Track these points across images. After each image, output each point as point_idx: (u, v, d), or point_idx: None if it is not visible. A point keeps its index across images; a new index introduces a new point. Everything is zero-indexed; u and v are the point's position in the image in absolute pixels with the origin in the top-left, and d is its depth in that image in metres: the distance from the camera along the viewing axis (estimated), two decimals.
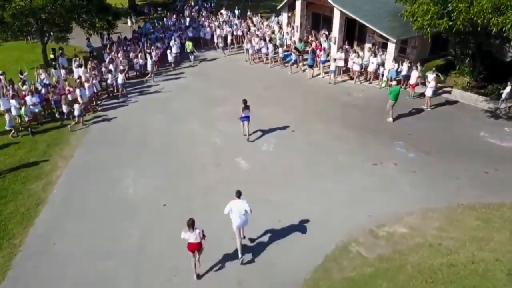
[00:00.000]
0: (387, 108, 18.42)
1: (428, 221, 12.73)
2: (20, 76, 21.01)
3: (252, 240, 12.08)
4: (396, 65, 20.97)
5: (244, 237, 11.93)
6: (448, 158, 15.90)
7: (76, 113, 18.58)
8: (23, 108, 18.24)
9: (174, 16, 32.82)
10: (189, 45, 26.10)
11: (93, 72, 21.26)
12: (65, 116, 19.59)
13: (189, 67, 26.12)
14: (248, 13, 32.63)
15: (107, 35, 27.13)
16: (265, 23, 29.73)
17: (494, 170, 15.18)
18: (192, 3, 37.81)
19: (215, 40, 28.02)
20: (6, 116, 17.86)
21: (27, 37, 27.13)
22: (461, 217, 12.96)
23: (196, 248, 10.44)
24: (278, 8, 28.13)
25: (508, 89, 18.52)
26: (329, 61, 23.14)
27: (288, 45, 25.61)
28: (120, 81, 21.57)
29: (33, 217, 13.24)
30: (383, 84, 21.80)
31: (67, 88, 19.81)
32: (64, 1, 23.17)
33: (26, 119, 18.23)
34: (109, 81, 21.66)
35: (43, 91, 20.02)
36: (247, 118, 16.90)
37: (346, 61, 22.61)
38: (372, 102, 20.52)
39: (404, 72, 20.67)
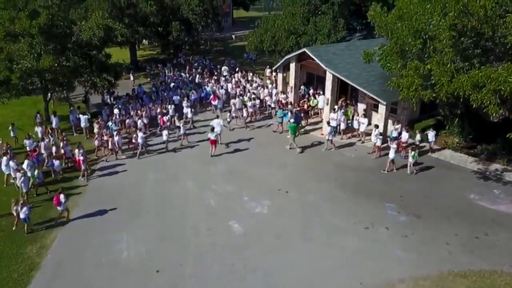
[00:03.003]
0: (289, 141, 22.30)
1: None
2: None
3: None
4: (380, 132, 21.38)
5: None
6: (439, 221, 16.13)
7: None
8: (36, 171, 18.28)
9: (175, 73, 33.96)
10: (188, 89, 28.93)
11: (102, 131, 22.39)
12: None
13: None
14: (239, 74, 33.37)
15: (110, 92, 28.09)
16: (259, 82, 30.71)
17: (484, 234, 15.38)
18: (191, 60, 39.23)
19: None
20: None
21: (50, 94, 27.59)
22: (452, 285, 13.05)
23: (214, 142, 21.40)
24: (273, 68, 29.29)
25: None
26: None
27: (284, 104, 26.39)
28: (182, 131, 23.02)
29: (26, 284, 13.26)
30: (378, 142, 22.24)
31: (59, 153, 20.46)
32: (68, 62, 24.21)
33: (38, 181, 18.30)
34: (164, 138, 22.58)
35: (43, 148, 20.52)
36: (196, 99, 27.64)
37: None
38: (364, 162, 20.97)
39: (394, 135, 21.24)
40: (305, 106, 25.66)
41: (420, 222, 16.16)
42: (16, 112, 29.19)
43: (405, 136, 20.84)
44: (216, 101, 26.87)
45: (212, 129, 21.39)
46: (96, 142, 21.81)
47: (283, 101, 26.36)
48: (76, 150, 20.01)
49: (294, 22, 30.73)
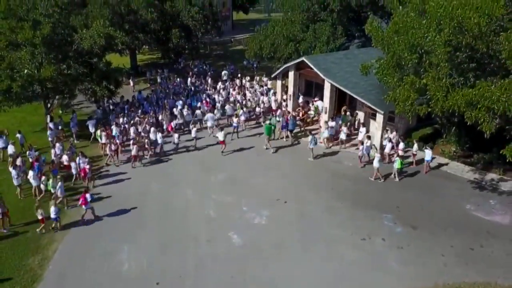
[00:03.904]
0: (265, 142, 23.58)
1: None
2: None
3: None
4: (369, 142, 21.65)
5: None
6: (435, 233, 16.38)
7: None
8: (50, 181, 18.54)
9: (176, 79, 34.17)
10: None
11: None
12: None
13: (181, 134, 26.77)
14: (243, 80, 33.61)
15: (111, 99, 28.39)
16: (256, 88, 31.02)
17: (479, 246, 15.64)
18: (191, 65, 39.41)
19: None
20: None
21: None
22: None
23: (223, 142, 22.77)
24: (272, 76, 29.54)
25: None
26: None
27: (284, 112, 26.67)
28: (193, 134, 23.95)
29: None
30: (372, 153, 22.48)
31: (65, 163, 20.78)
32: (69, 70, 24.43)
33: (53, 190, 18.42)
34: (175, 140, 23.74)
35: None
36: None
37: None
38: (362, 171, 21.20)
39: (384, 143, 21.75)
40: (300, 114, 25.88)
41: (416, 233, 16.41)
42: (17, 119, 29.32)
43: (400, 146, 21.14)
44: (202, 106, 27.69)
45: (221, 129, 23.09)
46: (108, 151, 22.04)
47: (283, 108, 26.66)
48: (77, 159, 20.28)
49: (293, 29, 30.95)
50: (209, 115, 25.53)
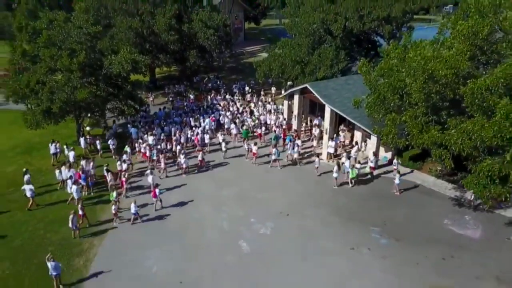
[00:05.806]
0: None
1: None
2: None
3: None
4: (348, 162, 24.78)
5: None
6: (414, 244, 19.26)
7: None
8: (114, 193, 21.93)
9: (190, 95, 37.39)
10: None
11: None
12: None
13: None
14: (248, 95, 36.80)
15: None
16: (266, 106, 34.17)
17: (450, 256, 18.47)
18: (205, 81, 42.61)
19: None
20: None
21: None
22: None
23: (255, 154, 26.24)
24: (280, 97, 32.52)
25: None
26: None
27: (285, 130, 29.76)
28: (220, 139, 28.16)
29: None
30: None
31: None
32: (100, 91, 27.67)
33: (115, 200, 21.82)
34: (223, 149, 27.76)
35: (92, 172, 24.16)
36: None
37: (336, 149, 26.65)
38: (357, 188, 24.09)
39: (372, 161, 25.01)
40: (295, 135, 28.90)
41: (398, 245, 19.29)
42: (50, 131, 32.52)
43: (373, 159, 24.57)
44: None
45: (255, 143, 27.11)
46: (162, 165, 25.29)
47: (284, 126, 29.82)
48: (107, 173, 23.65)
49: (300, 52, 33.85)
50: (207, 119, 30.59)
